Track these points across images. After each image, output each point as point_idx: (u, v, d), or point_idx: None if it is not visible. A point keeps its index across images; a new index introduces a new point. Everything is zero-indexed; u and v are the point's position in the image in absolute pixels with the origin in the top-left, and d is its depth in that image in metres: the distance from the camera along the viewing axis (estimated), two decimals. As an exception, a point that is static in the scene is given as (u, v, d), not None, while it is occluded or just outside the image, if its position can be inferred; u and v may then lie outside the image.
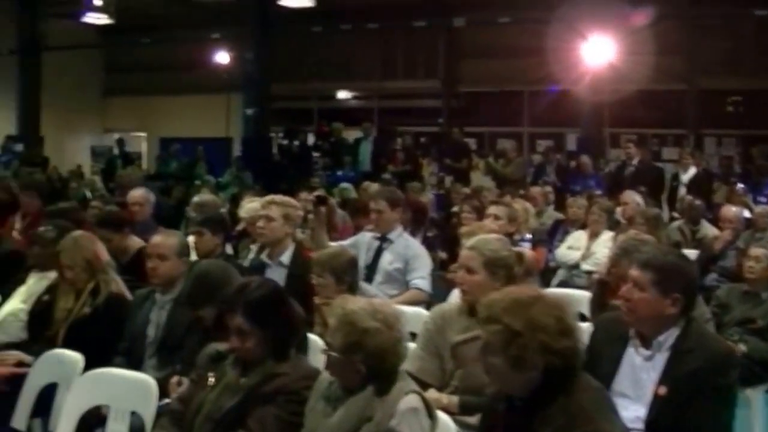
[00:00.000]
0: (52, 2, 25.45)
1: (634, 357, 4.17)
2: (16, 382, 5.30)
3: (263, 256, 6.74)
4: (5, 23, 25.33)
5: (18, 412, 5.12)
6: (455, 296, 5.73)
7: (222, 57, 25.54)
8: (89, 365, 4.99)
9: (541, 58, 19.97)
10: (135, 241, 7.34)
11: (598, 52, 17.94)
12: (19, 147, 22.94)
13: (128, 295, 5.89)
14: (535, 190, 13.02)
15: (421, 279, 7.17)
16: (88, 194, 12.79)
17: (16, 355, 5.63)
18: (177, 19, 26.04)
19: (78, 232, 6.14)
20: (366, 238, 7.58)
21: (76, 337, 5.51)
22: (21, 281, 6.48)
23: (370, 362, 3.71)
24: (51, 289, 6.12)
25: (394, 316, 3.81)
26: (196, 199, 9.41)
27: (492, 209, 8.25)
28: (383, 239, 7.40)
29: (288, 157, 21.49)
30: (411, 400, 3.70)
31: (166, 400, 4.60)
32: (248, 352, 4.05)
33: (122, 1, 24.64)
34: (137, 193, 8.94)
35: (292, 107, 26.27)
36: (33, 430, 5.33)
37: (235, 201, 13.03)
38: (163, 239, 5.74)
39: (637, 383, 4.13)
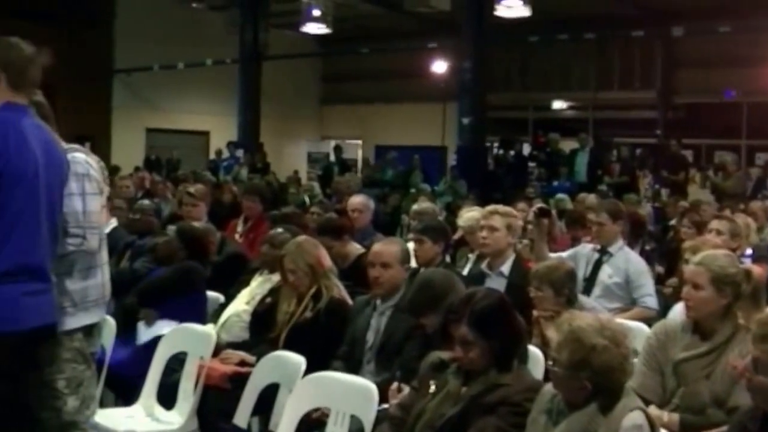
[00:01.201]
0: (274, 13, 26.20)
1: None
2: (238, 380, 5.48)
3: (483, 266, 6.69)
4: (230, 34, 26.21)
5: (240, 410, 5.22)
6: (676, 312, 5.57)
7: (439, 66, 25.71)
8: (308, 368, 5.05)
9: (762, 68, 19.29)
10: (355, 248, 7.41)
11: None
12: (240, 153, 23.62)
13: (349, 300, 5.93)
14: (756, 205, 12.53)
15: (650, 297, 7.02)
16: (307, 200, 13.04)
17: (240, 354, 5.80)
18: (394, 28, 26.38)
19: (302, 237, 6.24)
20: (586, 250, 7.45)
21: (297, 340, 5.58)
22: (245, 283, 6.66)
23: (596, 379, 3.62)
24: (274, 292, 6.27)
25: (621, 333, 3.71)
26: (415, 207, 9.45)
27: (714, 224, 7.98)
28: (603, 252, 7.27)
29: (503, 167, 21.45)
30: (635, 417, 3.59)
31: (384, 406, 4.60)
32: (471, 362, 4.03)
33: (340, 11, 25.15)
34: (357, 200, 9.02)
35: (508, 117, 26.22)
36: (251, 427, 5.46)
37: (450, 210, 13.05)
38: (385, 247, 5.75)
39: None
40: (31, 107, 4.15)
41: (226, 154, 24.45)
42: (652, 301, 6.99)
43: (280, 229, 6.80)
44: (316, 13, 24.72)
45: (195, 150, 29.26)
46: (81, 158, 4.40)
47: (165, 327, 6.35)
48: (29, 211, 3.92)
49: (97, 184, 4.43)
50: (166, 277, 6.74)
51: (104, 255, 4.58)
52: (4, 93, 4.03)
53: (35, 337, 4.02)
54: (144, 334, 6.48)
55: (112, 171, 13.52)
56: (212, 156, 26.74)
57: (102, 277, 4.52)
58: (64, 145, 4.32)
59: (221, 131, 27.60)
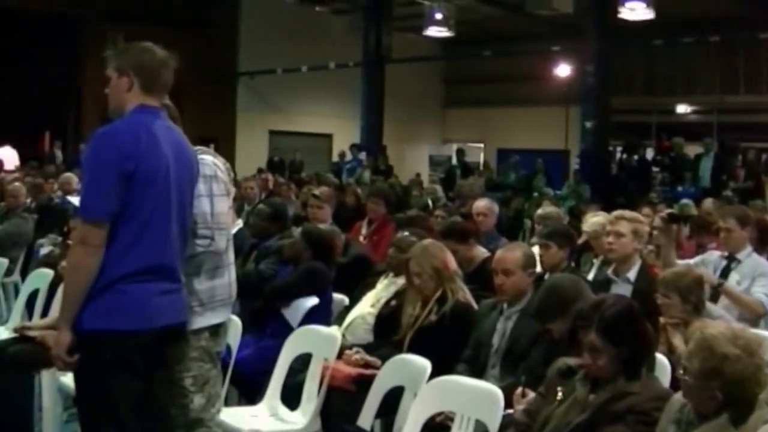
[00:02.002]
0: (397, 17, 26.29)
1: None
2: (362, 383, 5.52)
3: (609, 272, 6.62)
4: (353, 38, 26.40)
5: (364, 412, 5.23)
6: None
7: (562, 69, 25.50)
8: (432, 371, 5.03)
9: None
10: (480, 251, 7.39)
11: None
12: (362, 155, 23.76)
13: (474, 304, 5.92)
14: None
15: (765, 295, 6.81)
16: (429, 203, 13.06)
17: (361, 355, 5.82)
18: (516, 31, 26.27)
19: (428, 241, 6.25)
20: (713, 257, 7.29)
21: (421, 343, 5.58)
22: (371, 285, 6.69)
23: (728, 389, 3.54)
24: (399, 295, 6.29)
25: (756, 342, 3.62)
26: (540, 211, 9.36)
27: None
28: (731, 259, 7.11)
29: (626, 172, 21.17)
30: (769, 430, 3.52)
31: (509, 411, 4.59)
32: (600, 370, 3.99)
33: (462, 14, 25.13)
34: (482, 204, 8.97)
35: (631, 121, 25.88)
36: (374, 430, 5.45)
37: (573, 214, 12.93)
38: (507, 254, 5.69)
39: None
40: (163, 110, 4.24)
41: (349, 156, 24.65)
42: (764, 298, 6.75)
43: (406, 233, 6.82)
44: (438, 16, 24.78)
45: (317, 152, 29.52)
46: (209, 160, 4.49)
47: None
48: (160, 212, 3.99)
49: (224, 185, 4.52)
50: (293, 279, 6.81)
51: (231, 255, 4.66)
52: (136, 96, 4.11)
53: (165, 335, 4.09)
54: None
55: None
56: (335, 158, 26.95)
57: (229, 277, 4.60)
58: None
59: (344, 134, 27.80)
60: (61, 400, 6.42)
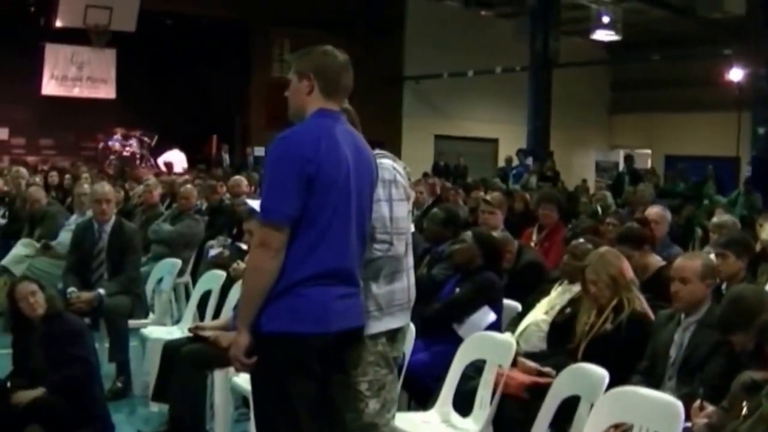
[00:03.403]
0: (564, 21, 26.07)
1: None
2: (535, 391, 5.47)
3: (789, 283, 6.43)
4: (519, 42, 26.28)
5: (538, 421, 5.17)
6: None
7: (734, 73, 24.86)
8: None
9: None
10: (655, 259, 7.25)
11: None
12: (529, 161, 23.63)
13: (650, 314, 5.82)
14: None
15: None
16: (599, 210, 12.87)
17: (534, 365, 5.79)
18: (686, 34, 25.75)
19: (604, 248, 6.15)
20: None
21: (596, 352, 5.49)
22: (545, 292, 6.62)
23: None
24: (574, 303, 6.21)
25: None
26: (715, 220, 9.15)
27: None
28: None
29: (800, 180, 20.52)
30: None
31: (687, 424, 4.49)
32: (788, 384, 3.89)
33: (629, 17, 24.76)
34: (654, 211, 8.79)
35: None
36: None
37: (745, 223, 12.56)
38: (687, 262, 5.54)
39: None
40: (343, 114, 4.26)
41: (515, 162, 24.51)
42: None
43: (581, 239, 6.75)
44: (606, 19, 24.49)
45: (482, 157, 29.54)
46: (388, 164, 4.50)
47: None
48: (340, 216, 4.00)
49: (403, 189, 4.53)
50: (466, 292, 6.78)
51: (410, 260, 4.67)
52: (317, 100, 4.14)
53: (342, 339, 4.11)
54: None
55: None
56: (500, 164, 26.87)
57: (407, 282, 4.61)
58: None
59: (510, 139, 27.74)
60: (232, 399, 6.60)
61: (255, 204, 6.41)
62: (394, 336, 4.57)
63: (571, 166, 28.36)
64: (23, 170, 15.11)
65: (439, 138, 29.85)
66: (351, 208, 4.06)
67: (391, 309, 4.50)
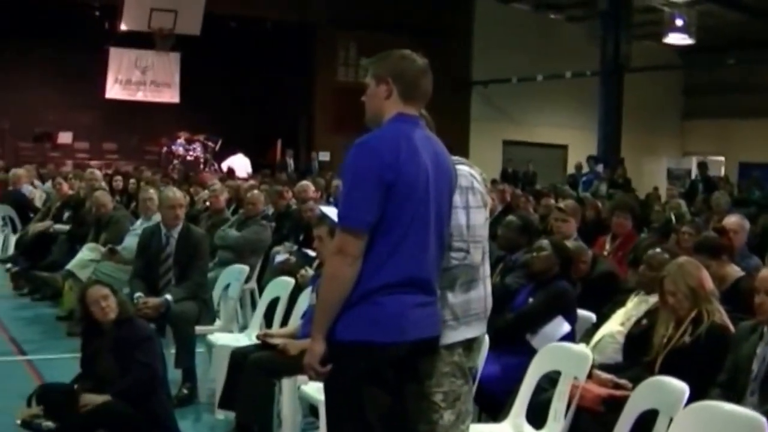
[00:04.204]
0: (636, 24, 25.72)
1: None
2: (612, 404, 5.34)
3: None
4: (590, 46, 26.01)
5: (615, 433, 5.06)
6: None
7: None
8: (686, 395, 4.84)
9: None
10: (733, 270, 7.07)
11: None
12: (600, 168, 23.35)
13: (731, 326, 5.64)
14: None
15: None
16: (672, 218, 12.62)
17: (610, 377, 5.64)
18: (762, 37, 25.31)
19: (683, 258, 5.99)
20: None
21: (674, 365, 5.34)
22: (621, 303, 6.48)
23: None
24: (650, 314, 6.06)
25: None
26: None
27: None
28: None
29: None
30: None
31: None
32: None
33: (704, 20, 24.40)
34: (732, 220, 8.63)
35: None
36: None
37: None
38: (770, 273, 5.43)
39: None
40: (421, 119, 4.19)
41: (585, 168, 24.25)
42: None
43: (657, 249, 6.59)
44: (679, 22, 24.15)
45: (551, 163, 29.35)
46: (465, 170, 4.41)
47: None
48: (419, 223, 3.94)
49: (481, 196, 4.44)
50: (539, 303, 6.69)
51: (486, 268, 4.57)
52: (395, 104, 4.08)
53: (418, 349, 4.05)
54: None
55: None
56: (570, 170, 26.62)
57: (484, 291, 4.51)
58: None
59: (579, 145, 27.50)
60: (300, 408, 6.53)
61: (327, 210, 6.35)
62: (470, 346, 4.48)
63: (641, 173, 28.02)
64: (97, 172, 15.20)
65: (508, 143, 29.73)
66: (430, 215, 4.00)
67: (467, 318, 4.40)
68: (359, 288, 3.86)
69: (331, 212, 5.83)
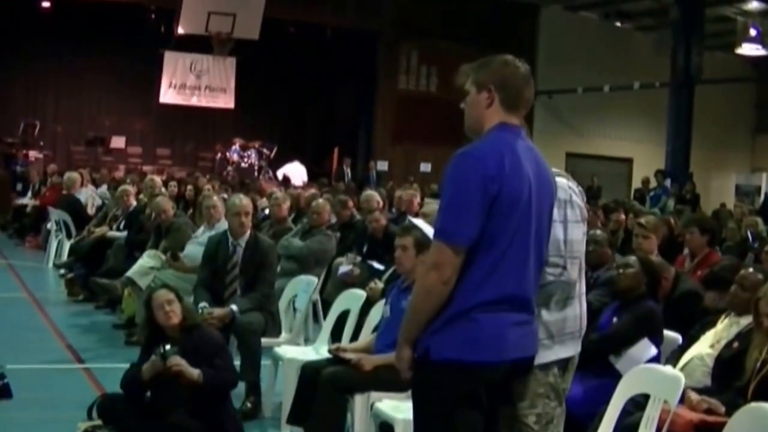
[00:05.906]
0: (709, 34, 25.21)
1: None
2: (704, 430, 5.13)
3: None
4: (659, 56, 25.58)
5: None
6: None
7: None
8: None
9: None
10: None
11: None
12: (668, 183, 22.94)
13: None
14: None
15: None
16: (749, 236, 12.26)
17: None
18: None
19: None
20: None
21: (768, 391, 5.11)
22: (710, 324, 6.26)
23: None
24: (742, 336, 5.83)
25: None
26: None
27: None
28: None
29: None
30: None
31: None
32: None
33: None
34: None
35: None
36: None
37: None
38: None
39: None
40: (524, 128, 4.04)
41: (653, 183, 23.84)
42: None
43: (750, 269, 6.33)
44: (753, 32, 23.69)
45: (616, 177, 29.00)
46: (563, 183, 4.27)
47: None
48: (520, 239, 3.81)
49: (579, 210, 4.30)
50: (625, 325, 6.47)
51: (582, 285, 4.44)
52: (497, 113, 3.94)
53: (515, 370, 3.92)
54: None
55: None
56: (636, 185, 26.23)
57: (580, 309, 4.38)
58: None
59: (645, 159, 27.16)
60: (373, 425, 6.31)
61: (416, 221, 6.20)
62: (565, 366, 4.36)
63: (709, 188, 27.58)
64: (157, 178, 15.12)
65: (571, 156, 29.39)
66: (531, 230, 3.86)
67: (562, 337, 4.28)
68: (457, 305, 3.74)
69: (420, 223, 5.76)
